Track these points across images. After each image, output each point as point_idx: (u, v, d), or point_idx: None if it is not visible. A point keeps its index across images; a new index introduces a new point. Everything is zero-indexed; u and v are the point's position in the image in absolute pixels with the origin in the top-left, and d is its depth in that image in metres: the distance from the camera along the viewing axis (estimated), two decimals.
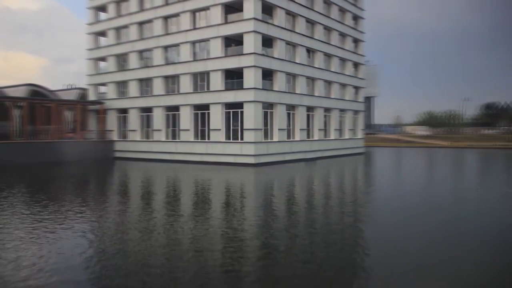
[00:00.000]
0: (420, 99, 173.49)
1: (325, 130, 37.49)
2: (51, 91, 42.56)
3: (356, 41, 42.96)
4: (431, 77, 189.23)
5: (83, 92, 44.01)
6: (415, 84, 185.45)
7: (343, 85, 40.09)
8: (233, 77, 30.59)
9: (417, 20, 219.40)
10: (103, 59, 39.77)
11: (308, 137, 34.88)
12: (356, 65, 43.03)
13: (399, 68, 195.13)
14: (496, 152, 47.67)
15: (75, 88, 47.82)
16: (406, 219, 12.07)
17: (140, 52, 36.18)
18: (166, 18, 34.30)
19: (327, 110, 37.45)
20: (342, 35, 39.95)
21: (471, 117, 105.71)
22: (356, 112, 42.76)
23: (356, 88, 42.93)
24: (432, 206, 13.94)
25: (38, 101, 35.97)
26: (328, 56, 37.61)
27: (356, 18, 43.19)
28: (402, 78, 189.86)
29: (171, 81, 34.10)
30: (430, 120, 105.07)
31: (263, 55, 29.63)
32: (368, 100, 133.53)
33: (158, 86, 34.48)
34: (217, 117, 30.29)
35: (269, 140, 30.28)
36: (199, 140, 31.55)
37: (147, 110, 35.50)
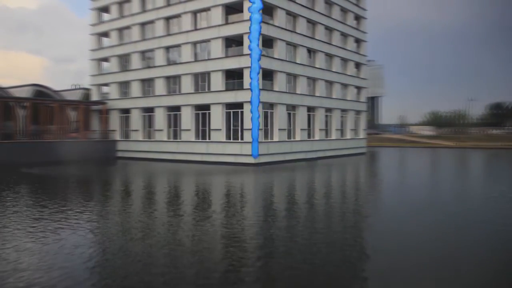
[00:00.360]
0: (426, 99, 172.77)
1: (326, 130, 37.53)
2: (56, 91, 42.93)
3: (358, 41, 42.92)
4: (436, 77, 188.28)
5: (86, 92, 44.34)
6: (421, 83, 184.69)
7: (345, 85, 40.10)
8: (234, 78, 30.75)
9: (420, 19, 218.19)
10: (106, 59, 40.04)
11: (309, 137, 34.95)
12: (358, 65, 43.00)
13: (405, 68, 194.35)
14: (502, 153, 47.45)
15: (79, 89, 48.23)
16: (404, 219, 12.16)
17: (142, 52, 36.41)
18: (167, 19, 34.49)
19: (328, 110, 37.48)
20: (344, 35, 39.94)
21: (477, 117, 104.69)
22: (358, 112, 42.74)
23: (358, 88, 42.90)
24: (428, 207, 13.99)
25: (41, 101, 36.30)
26: (329, 56, 37.63)
27: (358, 18, 43.15)
28: (408, 78, 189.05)
29: (173, 81, 34.30)
30: (435, 120, 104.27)
31: (263, 55, 29.72)
32: (373, 100, 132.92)
33: (159, 87, 34.69)
34: (217, 117, 30.45)
35: (269, 140, 30.40)
36: (200, 140, 31.74)
37: (149, 110, 35.72)
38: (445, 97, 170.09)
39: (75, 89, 49.01)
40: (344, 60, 39.99)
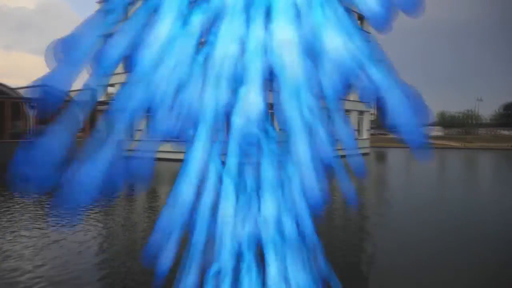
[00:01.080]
0: (427, 99, 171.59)
1: None
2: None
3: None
4: (436, 76, 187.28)
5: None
6: (421, 83, 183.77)
7: None
8: None
9: (419, 19, 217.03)
10: None
11: None
12: None
13: (405, 68, 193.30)
14: (510, 154, 46.94)
15: (87, 89, 48.71)
16: (402, 218, 12.24)
17: None
18: None
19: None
20: None
21: (490, 117, 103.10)
22: (361, 112, 42.59)
23: None
24: (426, 206, 13.98)
25: None
26: None
27: (361, 18, 42.83)
28: (409, 78, 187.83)
29: None
30: (444, 121, 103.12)
31: None
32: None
33: None
34: None
35: None
36: None
37: None
38: (446, 96, 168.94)
39: (83, 89, 49.58)
40: None
